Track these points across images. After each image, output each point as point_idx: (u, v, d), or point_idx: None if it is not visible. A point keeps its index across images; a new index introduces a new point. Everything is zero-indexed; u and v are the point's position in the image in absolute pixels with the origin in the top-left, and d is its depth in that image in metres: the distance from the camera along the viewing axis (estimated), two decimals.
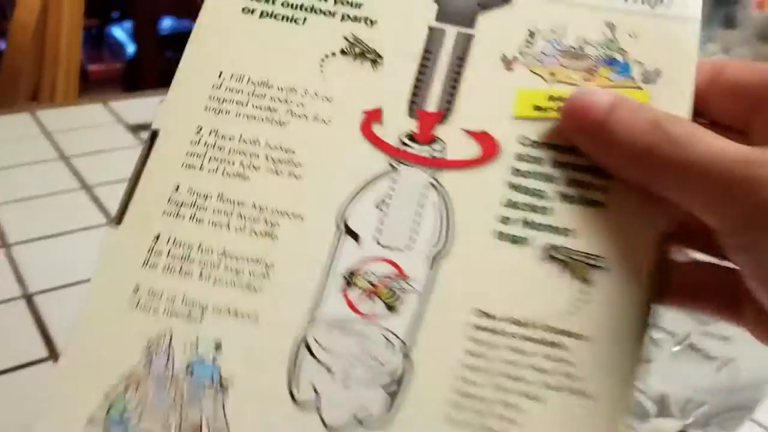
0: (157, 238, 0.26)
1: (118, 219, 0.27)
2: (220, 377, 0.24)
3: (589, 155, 0.27)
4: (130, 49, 1.90)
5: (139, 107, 0.83)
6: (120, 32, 1.96)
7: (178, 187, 0.27)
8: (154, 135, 0.28)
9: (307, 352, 0.24)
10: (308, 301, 0.25)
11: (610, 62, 0.29)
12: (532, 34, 0.29)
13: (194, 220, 0.26)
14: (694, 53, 0.28)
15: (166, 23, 1.89)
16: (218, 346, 0.25)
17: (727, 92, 0.27)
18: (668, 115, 0.25)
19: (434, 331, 0.24)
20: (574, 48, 0.29)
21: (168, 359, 0.24)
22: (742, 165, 0.22)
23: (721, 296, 0.28)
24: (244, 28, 0.30)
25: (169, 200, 0.27)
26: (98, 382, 0.24)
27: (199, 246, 0.26)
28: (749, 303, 0.26)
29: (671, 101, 0.27)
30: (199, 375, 0.24)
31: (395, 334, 0.25)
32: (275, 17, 0.30)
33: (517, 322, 0.24)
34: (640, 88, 0.28)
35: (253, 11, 0.30)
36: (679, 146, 0.24)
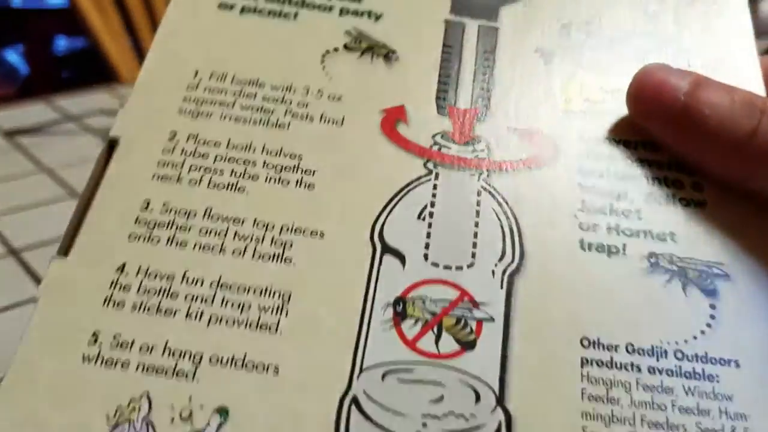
0: (122, 268, 0.18)
1: (65, 248, 0.19)
2: None
3: (667, 146, 0.22)
4: (25, 71, 1.79)
5: (15, 114, 0.81)
6: (14, 56, 1.86)
7: (148, 203, 0.20)
8: (112, 144, 0.21)
9: (359, 414, 0.17)
10: (347, 340, 0.18)
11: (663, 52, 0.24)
12: (565, 26, 0.25)
13: (174, 243, 0.19)
14: (752, 38, 0.24)
15: (61, 43, 1.80)
16: (224, 413, 0.17)
17: None
18: (766, 98, 0.20)
19: (532, 370, 0.17)
20: (616, 39, 0.24)
21: None
22: None
23: None
24: (223, 25, 0.24)
25: (137, 220, 0.19)
26: None
27: (184, 276, 0.18)
28: None
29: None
30: None
31: (481, 380, 0.17)
32: (259, 12, 0.24)
33: (641, 351, 0.18)
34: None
35: (232, 6, 0.24)
36: None
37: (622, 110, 0.22)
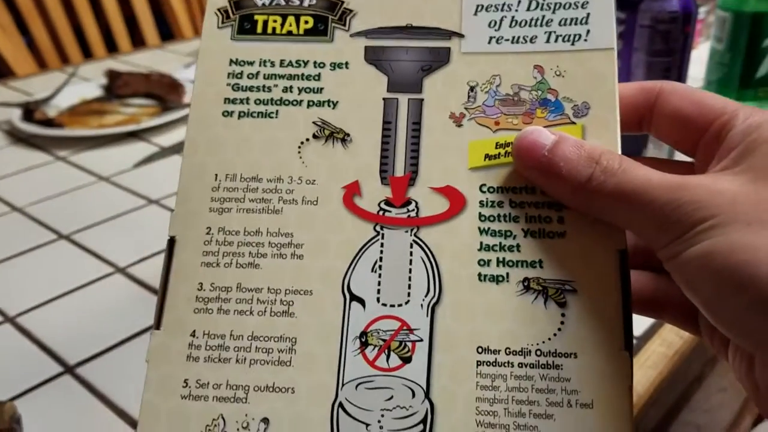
0: (193, 333, 0.28)
1: (157, 324, 0.28)
2: None
3: (542, 189, 0.29)
4: None
5: None
6: None
7: (201, 285, 0.29)
8: (172, 243, 0.29)
9: (344, 413, 0.26)
10: (334, 366, 0.27)
11: (544, 103, 0.31)
12: (472, 89, 0.31)
13: (221, 311, 0.28)
14: (613, 82, 0.30)
15: None
16: (266, 422, 0.27)
17: (674, 121, 0.29)
18: (603, 150, 0.27)
19: (446, 372, 0.27)
20: (510, 95, 0.31)
21: None
22: (665, 191, 0.25)
23: (678, 308, 0.30)
24: (228, 131, 0.31)
25: (196, 298, 0.28)
26: None
27: (231, 334, 0.28)
28: (702, 316, 0.28)
29: (601, 131, 0.30)
30: None
31: (415, 382, 0.27)
32: (252, 116, 0.31)
33: (514, 352, 0.27)
34: (573, 123, 0.30)
35: (231, 113, 0.31)
36: (612, 177, 0.26)
37: (511, 162, 0.30)
